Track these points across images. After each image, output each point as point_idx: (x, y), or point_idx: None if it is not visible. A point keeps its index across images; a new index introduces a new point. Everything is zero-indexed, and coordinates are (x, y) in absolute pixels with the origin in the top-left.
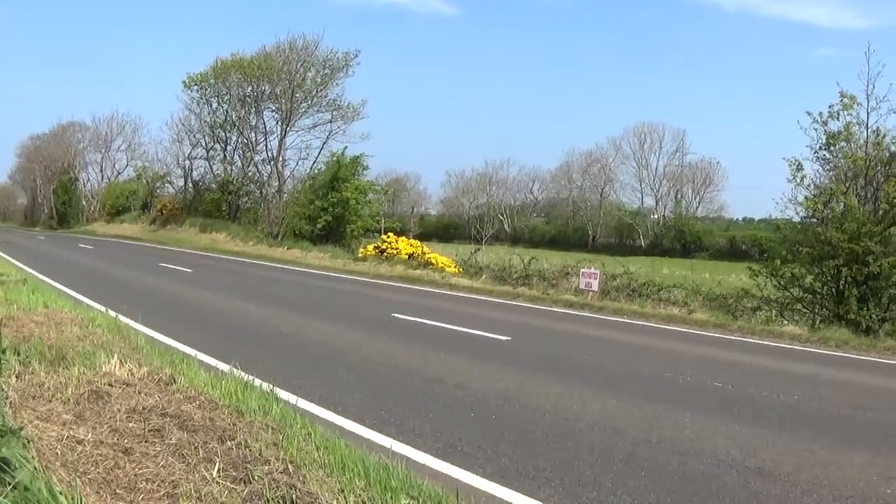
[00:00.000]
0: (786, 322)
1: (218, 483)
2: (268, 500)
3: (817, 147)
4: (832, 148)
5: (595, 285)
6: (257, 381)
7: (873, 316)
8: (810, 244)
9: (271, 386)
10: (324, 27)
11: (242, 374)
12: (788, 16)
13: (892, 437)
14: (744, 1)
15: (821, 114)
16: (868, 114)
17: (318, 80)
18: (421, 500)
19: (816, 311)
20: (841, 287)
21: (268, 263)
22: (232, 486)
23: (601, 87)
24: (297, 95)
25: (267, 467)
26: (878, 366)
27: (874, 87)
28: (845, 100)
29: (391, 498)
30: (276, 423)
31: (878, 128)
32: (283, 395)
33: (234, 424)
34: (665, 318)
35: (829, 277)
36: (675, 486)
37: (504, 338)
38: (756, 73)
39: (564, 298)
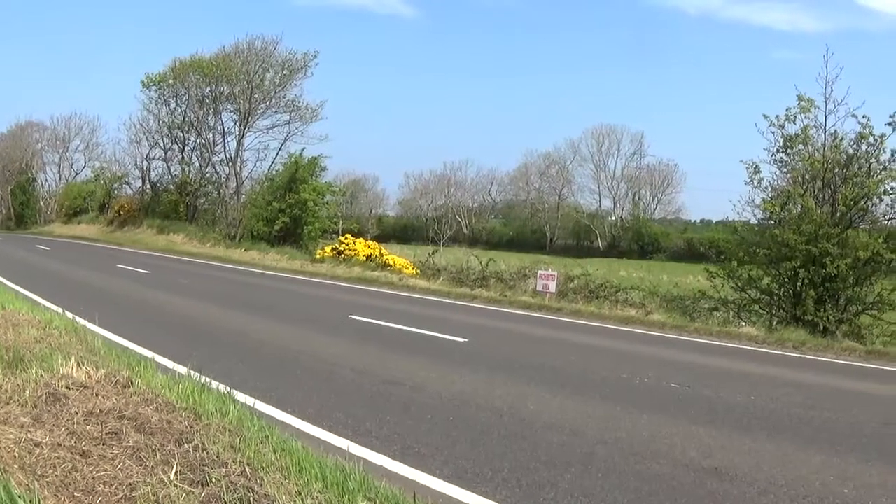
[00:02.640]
0: (743, 323)
1: (175, 486)
2: (225, 503)
3: (775, 150)
4: (789, 151)
5: (552, 287)
6: (214, 384)
7: (830, 317)
8: (767, 246)
9: (228, 388)
10: (283, 28)
11: (199, 376)
12: (748, 19)
13: (849, 437)
14: (705, 4)
15: (778, 117)
16: (826, 117)
17: (277, 80)
18: (378, 502)
19: (774, 312)
20: (798, 288)
21: (225, 265)
22: (189, 488)
23: (560, 89)
24: (256, 96)
25: (224, 470)
26: (835, 367)
27: (832, 90)
28: (803, 103)
29: (348, 500)
30: (233, 425)
31: (835, 130)
32: (241, 397)
33: (191, 427)
34: (622, 320)
35: (786, 279)
36: (631, 487)
37: (461, 339)
38: (716, 77)
39: (522, 300)
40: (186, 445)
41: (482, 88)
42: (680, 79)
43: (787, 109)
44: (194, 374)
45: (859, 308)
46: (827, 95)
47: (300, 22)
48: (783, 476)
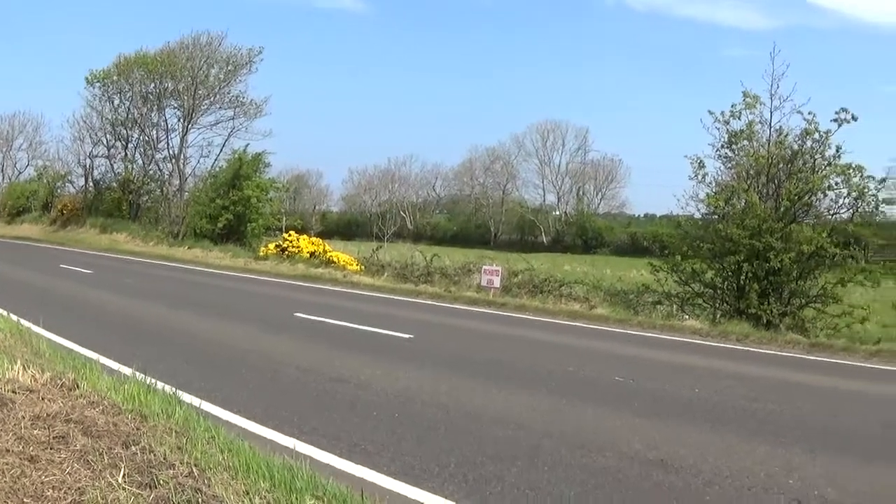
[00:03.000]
0: (686, 316)
1: (124, 489)
2: None
3: (719, 145)
4: (734, 146)
5: (497, 282)
6: (160, 384)
7: (774, 310)
8: (711, 240)
9: (174, 389)
10: (229, 23)
11: (145, 377)
12: (697, 16)
13: (793, 428)
14: (654, 1)
15: (723, 113)
16: (771, 113)
17: (222, 76)
18: (326, 500)
19: (717, 305)
20: (742, 282)
21: (169, 263)
22: (138, 491)
23: (507, 85)
24: (200, 92)
25: (172, 471)
26: (778, 359)
27: (778, 87)
28: (748, 99)
29: (296, 499)
30: (179, 426)
31: (781, 127)
32: (186, 397)
33: (137, 429)
34: (567, 314)
35: (729, 273)
36: (578, 480)
37: (406, 336)
38: (662, 73)
39: (466, 296)
40: (133, 448)
41: (427, 83)
42: (627, 75)
43: (732, 106)
44: (139, 376)
45: (803, 301)
46: (773, 92)
47: (245, 16)
48: (728, 467)
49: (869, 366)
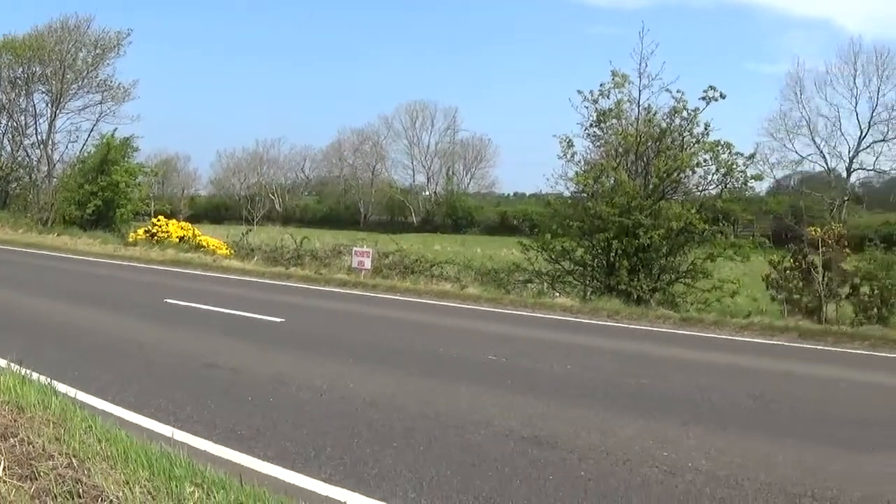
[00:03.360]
0: (558, 294)
1: (5, 482)
2: (55, 496)
3: (588, 124)
4: (603, 125)
5: (368, 264)
6: (35, 375)
7: (644, 286)
8: (581, 218)
9: (49, 379)
10: (96, 5)
11: (19, 368)
12: None
13: (665, 402)
14: None
15: (592, 92)
16: (640, 91)
17: (90, 60)
18: (206, 487)
19: (588, 282)
20: (612, 259)
21: (38, 251)
22: (19, 483)
23: (374, 65)
24: (68, 76)
25: (51, 462)
26: (649, 334)
27: (647, 66)
28: (617, 78)
29: (176, 486)
30: (56, 417)
31: (649, 105)
32: (62, 387)
33: (14, 421)
34: (438, 294)
35: (599, 250)
36: (454, 459)
37: (278, 319)
38: (531, 52)
39: (338, 278)
40: (12, 440)
41: (296, 64)
42: (494, 55)
43: (600, 85)
44: (14, 367)
45: (673, 277)
46: (641, 71)
47: None
48: (603, 442)
49: (739, 339)
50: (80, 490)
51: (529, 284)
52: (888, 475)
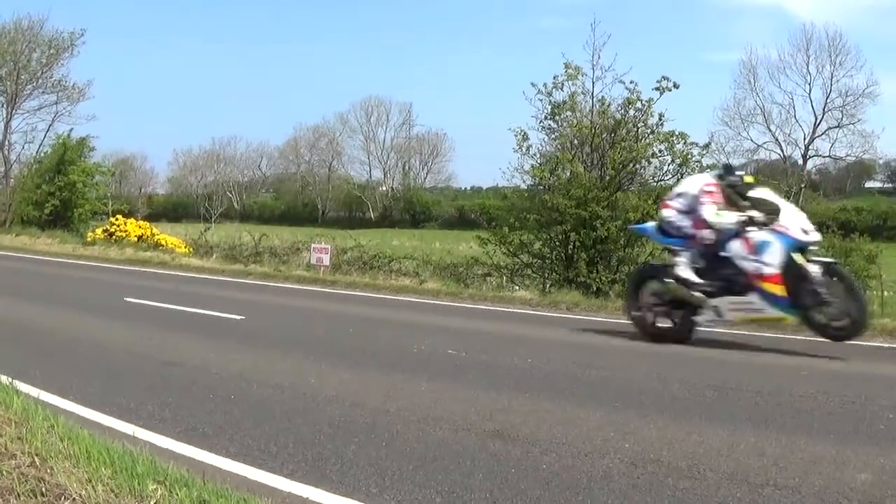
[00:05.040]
0: (517, 287)
1: None
2: (18, 495)
3: (543, 117)
4: (557, 118)
5: (326, 260)
6: None
7: (603, 278)
8: (538, 211)
9: (10, 379)
10: (49, 4)
11: None
12: None
13: (626, 394)
14: None
15: (546, 84)
16: (594, 83)
17: (44, 60)
18: (168, 485)
19: (547, 275)
20: (570, 251)
21: None
22: None
23: (329, 62)
24: (23, 77)
25: (14, 461)
26: (608, 325)
27: (600, 58)
28: (570, 71)
29: (138, 484)
30: (18, 416)
31: (603, 97)
32: (23, 387)
33: None
34: (397, 289)
35: (557, 243)
36: (416, 453)
37: (238, 317)
38: (486, 45)
39: (296, 274)
40: None
41: (251, 62)
42: (449, 49)
43: (554, 77)
44: None
45: (631, 268)
46: (595, 62)
47: None
48: (564, 434)
49: (702, 329)
50: (43, 488)
51: (488, 278)
52: None
